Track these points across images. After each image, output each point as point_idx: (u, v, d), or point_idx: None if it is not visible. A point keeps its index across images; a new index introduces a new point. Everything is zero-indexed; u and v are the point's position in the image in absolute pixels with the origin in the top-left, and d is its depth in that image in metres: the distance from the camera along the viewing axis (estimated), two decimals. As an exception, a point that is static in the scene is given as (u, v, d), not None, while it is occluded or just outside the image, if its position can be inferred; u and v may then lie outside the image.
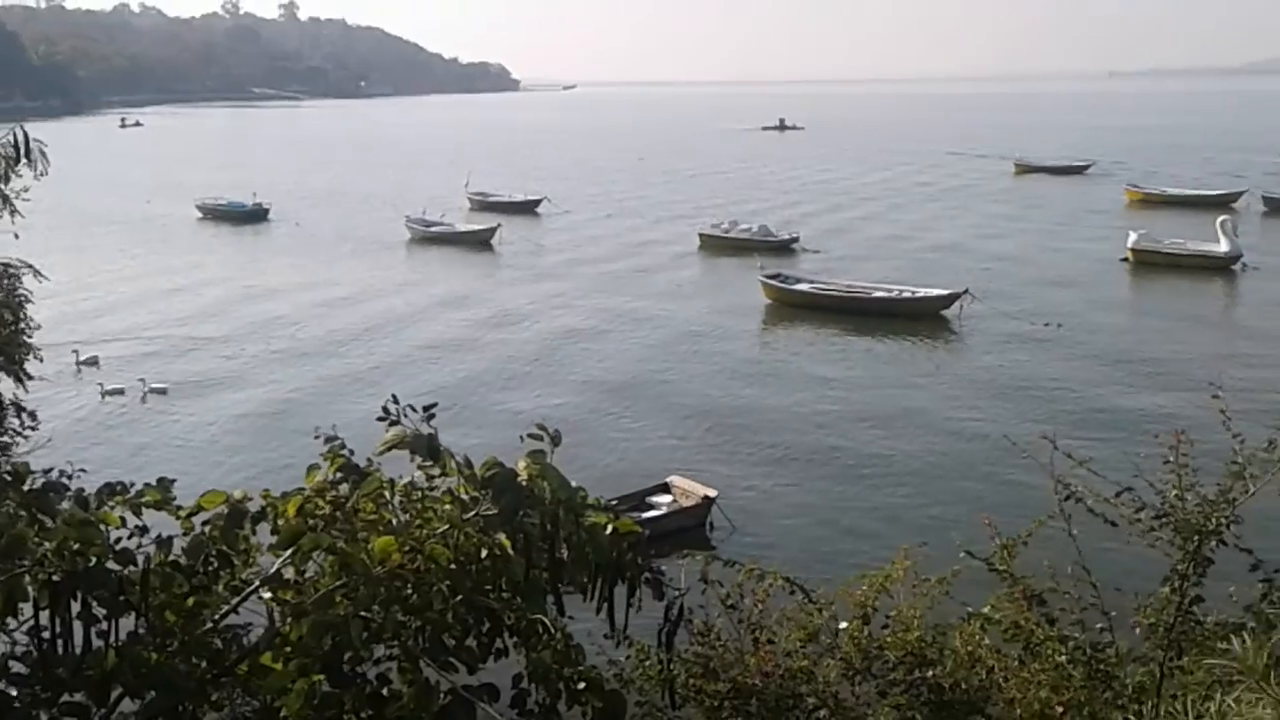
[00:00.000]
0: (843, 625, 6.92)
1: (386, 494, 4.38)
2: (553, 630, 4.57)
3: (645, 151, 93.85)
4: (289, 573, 4.16)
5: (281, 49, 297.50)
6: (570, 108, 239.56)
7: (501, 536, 4.33)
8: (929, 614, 6.83)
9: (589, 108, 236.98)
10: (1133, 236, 37.80)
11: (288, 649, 3.99)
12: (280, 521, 4.16)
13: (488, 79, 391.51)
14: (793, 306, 31.31)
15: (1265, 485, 6.03)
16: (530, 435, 4.41)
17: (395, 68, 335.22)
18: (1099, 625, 6.29)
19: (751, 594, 6.95)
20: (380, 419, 4.10)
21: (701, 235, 43.10)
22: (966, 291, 29.86)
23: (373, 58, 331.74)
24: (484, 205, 55.09)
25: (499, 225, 45.11)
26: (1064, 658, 6.06)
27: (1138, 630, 6.16)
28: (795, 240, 41.81)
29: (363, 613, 4.00)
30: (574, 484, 4.41)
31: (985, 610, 6.59)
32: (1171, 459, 6.23)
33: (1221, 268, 35.94)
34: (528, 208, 54.81)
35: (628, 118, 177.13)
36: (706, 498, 17.14)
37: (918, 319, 29.77)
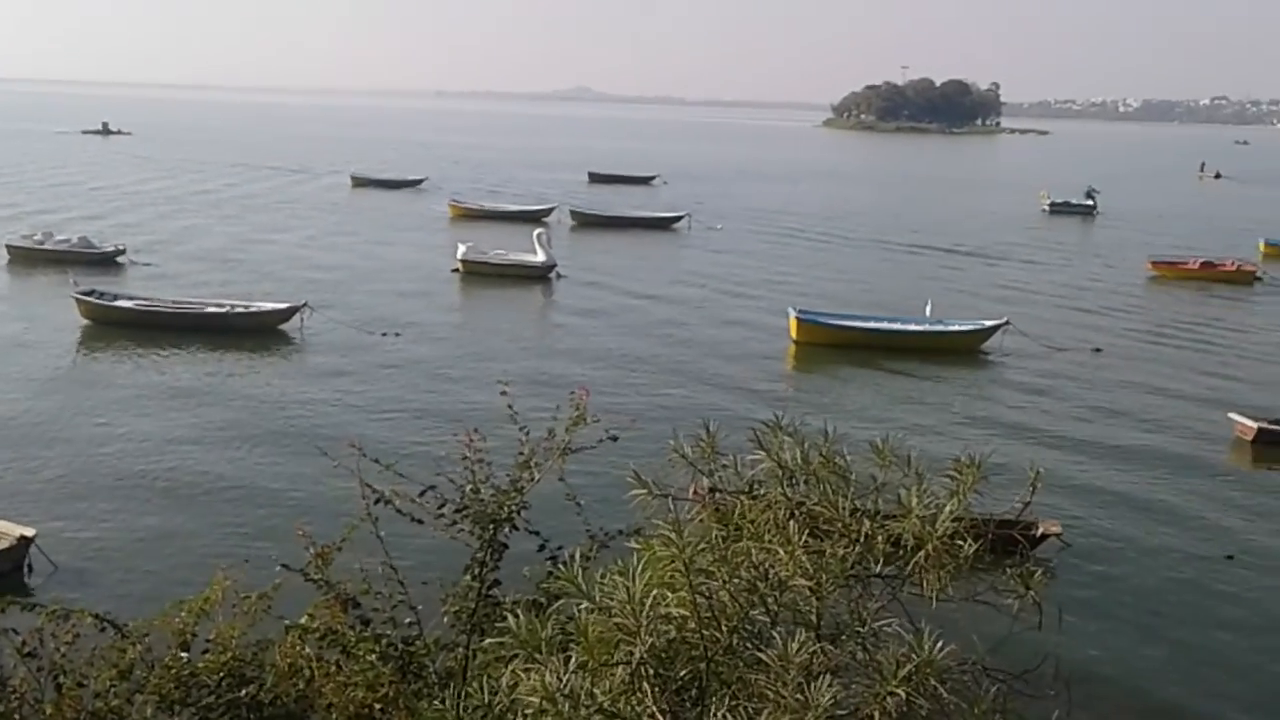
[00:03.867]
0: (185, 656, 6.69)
1: None
2: None
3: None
4: None
5: None
6: None
7: None
8: (251, 631, 6.78)
9: None
10: (461, 249, 40.17)
11: None
12: None
13: None
14: (115, 325, 29.18)
15: (548, 472, 6.75)
16: None
17: None
18: (408, 620, 6.65)
19: (53, 637, 6.45)
20: None
21: (10, 247, 38.77)
22: (305, 304, 29.85)
23: None
24: None
25: None
26: (375, 656, 6.33)
27: (446, 619, 6.60)
28: (122, 252, 39.11)
29: None
30: None
31: (303, 620, 6.69)
32: (468, 455, 6.75)
33: (539, 276, 39.40)
34: None
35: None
36: (23, 538, 15.47)
37: (255, 334, 29.22)
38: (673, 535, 4.21)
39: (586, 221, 56.77)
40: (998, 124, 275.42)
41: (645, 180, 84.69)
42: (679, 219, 57.42)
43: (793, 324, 30.60)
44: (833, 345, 30.02)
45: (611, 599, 4.24)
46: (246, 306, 30.31)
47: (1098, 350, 31.22)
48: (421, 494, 6.74)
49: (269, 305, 30.41)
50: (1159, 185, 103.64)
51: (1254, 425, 22.65)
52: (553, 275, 39.64)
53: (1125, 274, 46.22)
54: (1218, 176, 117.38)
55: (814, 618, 4.41)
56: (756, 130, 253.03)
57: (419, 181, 74.45)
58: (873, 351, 29.62)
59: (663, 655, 4.31)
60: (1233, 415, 23.35)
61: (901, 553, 4.71)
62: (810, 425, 5.30)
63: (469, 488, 6.65)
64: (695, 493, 5.60)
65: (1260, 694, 13.54)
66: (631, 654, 4.07)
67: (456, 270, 39.56)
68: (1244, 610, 15.64)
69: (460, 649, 6.33)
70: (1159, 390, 27.24)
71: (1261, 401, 25.39)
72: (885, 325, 31.50)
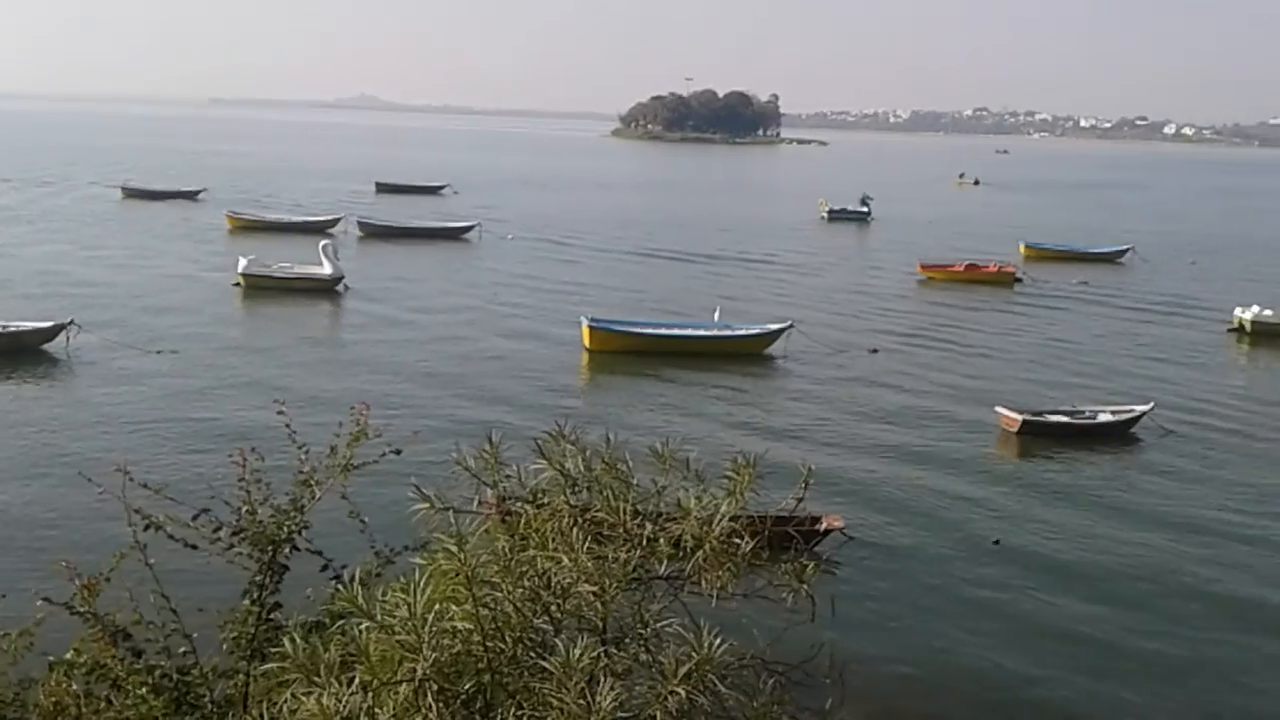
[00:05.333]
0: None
1: None
2: None
3: None
4: None
5: None
6: None
7: None
8: (12, 670, 6.38)
9: None
10: (243, 262, 38.75)
11: None
12: None
13: None
14: None
15: (329, 490, 6.60)
16: None
17: None
18: (183, 649, 6.39)
19: None
20: None
21: None
22: (72, 322, 28.18)
23: None
24: None
25: None
26: (147, 689, 6.05)
27: (225, 646, 6.36)
28: None
29: None
30: None
31: (68, 656, 6.34)
32: (244, 476, 6.53)
33: (326, 290, 38.42)
34: None
35: None
36: None
37: (15, 355, 27.38)
38: (454, 549, 4.20)
39: (375, 232, 55.71)
40: (778, 134, 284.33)
41: (435, 190, 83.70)
42: (469, 229, 57.03)
43: (585, 332, 30.81)
44: (625, 352, 30.37)
45: (393, 616, 4.20)
46: (4, 326, 28.40)
47: (874, 350, 32.62)
48: (195, 518, 6.50)
49: (30, 324, 28.58)
50: (927, 192, 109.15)
51: (1018, 418, 24.09)
52: (340, 288, 38.72)
53: (898, 277, 48.47)
54: (976, 183, 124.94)
55: (599, 622, 4.47)
56: (546, 139, 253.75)
57: (196, 192, 71.48)
58: (664, 357, 30.12)
59: (448, 670, 4.28)
60: (999, 409, 24.77)
61: (683, 554, 4.82)
62: (601, 432, 5.36)
63: (245, 509, 6.45)
64: (487, 504, 5.58)
65: (1022, 675, 14.36)
66: (414, 671, 4.03)
67: (237, 284, 38.16)
68: (1008, 592, 16.60)
69: (240, 676, 6.12)
70: (932, 387, 28.67)
71: (1025, 395, 27.05)
72: (676, 331, 32.09)
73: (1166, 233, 73.22)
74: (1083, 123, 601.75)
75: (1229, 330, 37.40)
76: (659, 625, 4.38)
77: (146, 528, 6.47)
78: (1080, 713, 13.46)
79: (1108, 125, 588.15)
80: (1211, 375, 31.74)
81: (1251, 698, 13.95)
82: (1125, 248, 58.79)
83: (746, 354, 31.33)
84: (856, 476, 21.16)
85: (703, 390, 27.70)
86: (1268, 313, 37.15)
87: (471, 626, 4.18)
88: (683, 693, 3.95)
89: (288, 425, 6.88)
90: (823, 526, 17.01)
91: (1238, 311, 37.72)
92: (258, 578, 6.31)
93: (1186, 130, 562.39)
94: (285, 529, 6.36)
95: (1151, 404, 25.27)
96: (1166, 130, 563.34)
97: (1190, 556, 18.16)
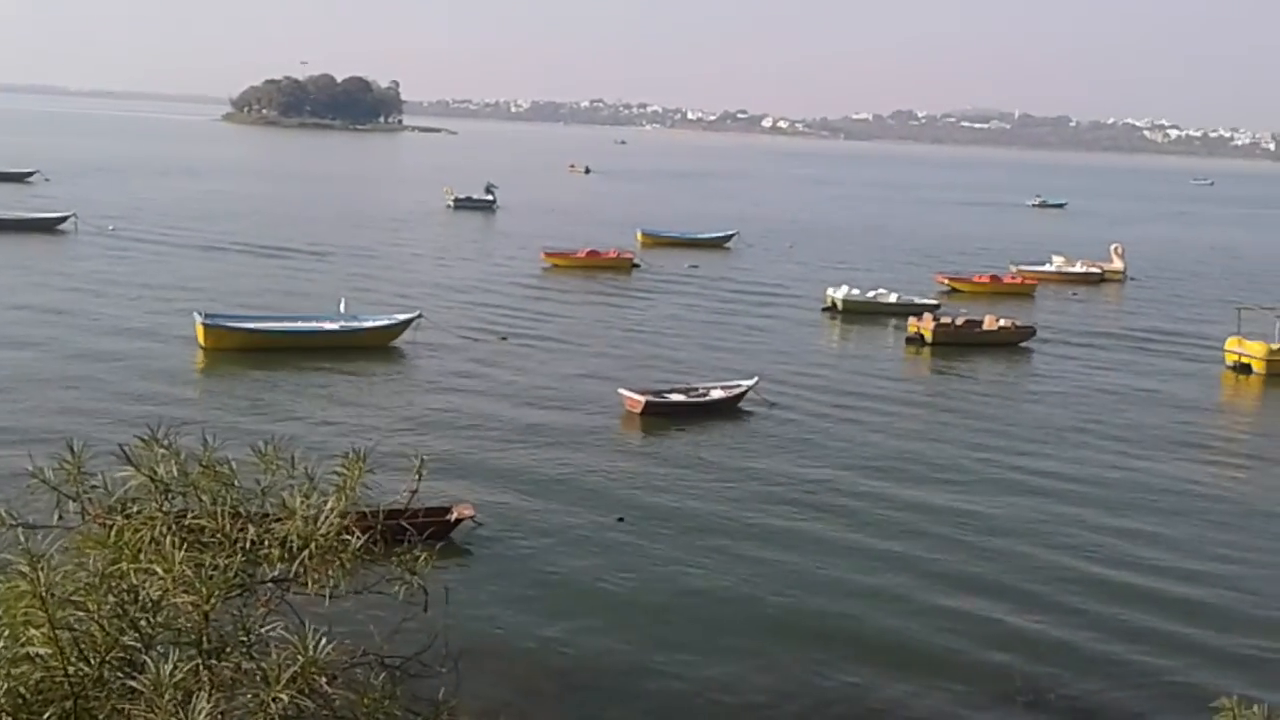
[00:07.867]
0: None
1: None
2: None
3: None
4: None
5: None
6: None
7: None
8: None
9: None
10: None
11: None
12: None
13: None
14: None
15: None
16: None
17: None
18: None
19: None
20: None
21: None
22: None
23: None
24: None
25: None
26: None
27: None
28: None
29: None
30: None
31: None
32: None
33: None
34: None
35: None
36: None
37: None
38: (26, 569, 3.86)
39: (-51, 225, 50.14)
40: (400, 122, 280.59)
41: (22, 177, 76.38)
42: (64, 220, 52.49)
43: (199, 330, 29.19)
44: (245, 349, 29.05)
45: (-43, 649, 3.81)
46: None
47: (504, 338, 33.01)
48: None
49: None
50: (548, 180, 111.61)
51: (641, 399, 25.15)
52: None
53: (524, 264, 49.25)
54: (587, 171, 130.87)
55: (197, 634, 4.25)
56: (151, 123, 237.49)
57: None
58: (287, 353, 29.08)
59: (28, 698, 3.94)
60: (622, 391, 25.75)
61: (291, 555, 4.67)
62: (214, 435, 5.08)
63: None
64: (93, 515, 5.18)
65: (643, 646, 15.00)
66: (-17, 707, 3.69)
67: None
68: (632, 564, 17.32)
69: None
70: (560, 371, 29.39)
71: (646, 376, 28.27)
72: (298, 325, 31.04)
73: (766, 218, 78.58)
74: (690, 115, 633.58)
75: (824, 309, 40.77)
76: (264, 631, 4.22)
77: None
78: (697, 683, 14.22)
79: (713, 118, 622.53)
80: (809, 350, 34.53)
81: (871, 622, 15.30)
82: (731, 233, 62.63)
83: (373, 346, 30.81)
84: (489, 463, 21.36)
85: (326, 386, 26.97)
86: (854, 292, 40.91)
87: (51, 650, 3.87)
88: (286, 698, 3.84)
89: None
90: (453, 517, 17.06)
91: (829, 291, 41.25)
92: None
93: (782, 124, 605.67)
94: None
95: (755, 379, 27.12)
96: (765, 123, 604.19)
97: (798, 513, 19.67)
